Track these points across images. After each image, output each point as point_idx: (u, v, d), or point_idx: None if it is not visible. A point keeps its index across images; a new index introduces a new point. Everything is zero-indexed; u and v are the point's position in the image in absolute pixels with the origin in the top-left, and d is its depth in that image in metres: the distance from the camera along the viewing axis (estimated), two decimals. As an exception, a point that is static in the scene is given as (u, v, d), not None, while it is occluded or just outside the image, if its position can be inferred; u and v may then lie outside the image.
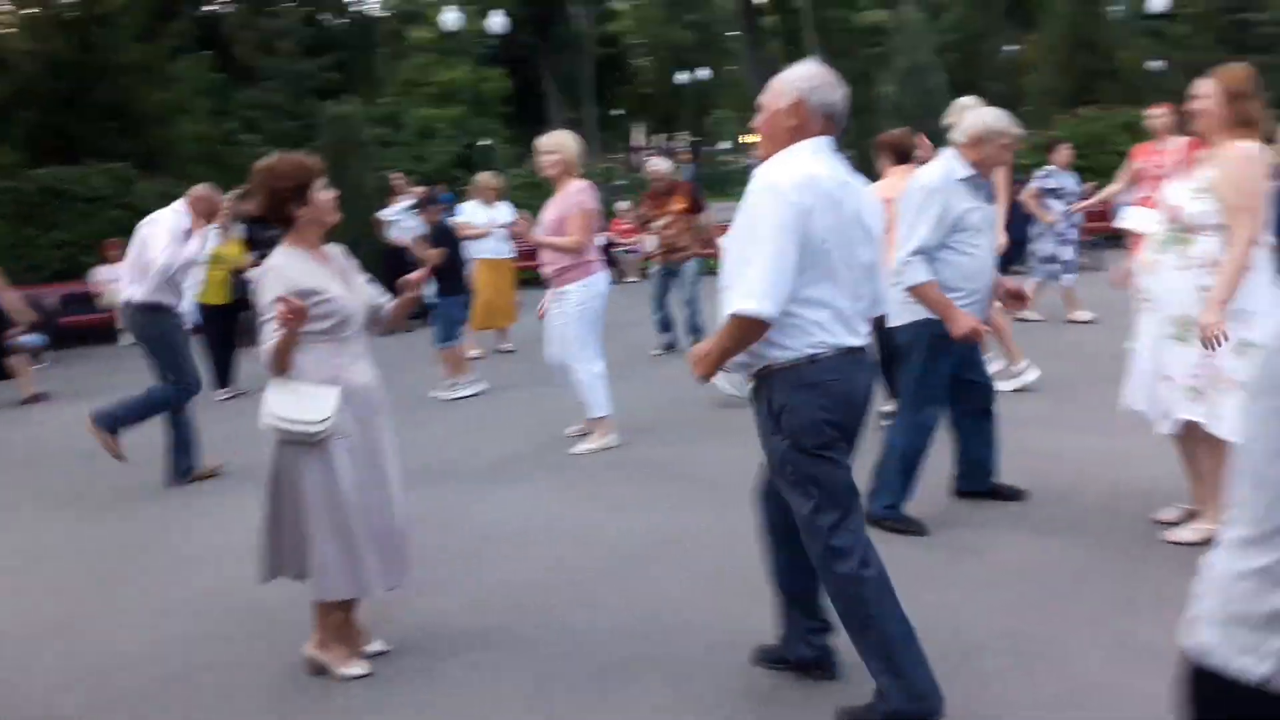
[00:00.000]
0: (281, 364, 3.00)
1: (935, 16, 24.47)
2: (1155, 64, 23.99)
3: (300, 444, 3.02)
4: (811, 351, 2.55)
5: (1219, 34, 21.80)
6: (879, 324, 3.79)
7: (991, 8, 29.45)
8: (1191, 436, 3.72)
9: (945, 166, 4.07)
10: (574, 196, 5.56)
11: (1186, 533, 3.79)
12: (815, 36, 29.51)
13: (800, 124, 2.64)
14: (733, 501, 4.32)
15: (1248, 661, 1.18)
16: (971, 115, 4.21)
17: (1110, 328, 7.13)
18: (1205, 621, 1.25)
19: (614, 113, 39.58)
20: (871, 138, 5.93)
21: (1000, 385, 5.21)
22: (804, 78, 2.67)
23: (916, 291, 3.97)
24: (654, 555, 4.09)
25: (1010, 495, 4.43)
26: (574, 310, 5.59)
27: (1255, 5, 20.94)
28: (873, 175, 4.64)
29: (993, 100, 5.14)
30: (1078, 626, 3.17)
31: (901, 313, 4.12)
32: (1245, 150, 3.54)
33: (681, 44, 39.07)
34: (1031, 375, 6.33)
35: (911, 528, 4.11)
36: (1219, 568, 1.24)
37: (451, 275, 7.63)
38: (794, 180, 2.53)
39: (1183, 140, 7.20)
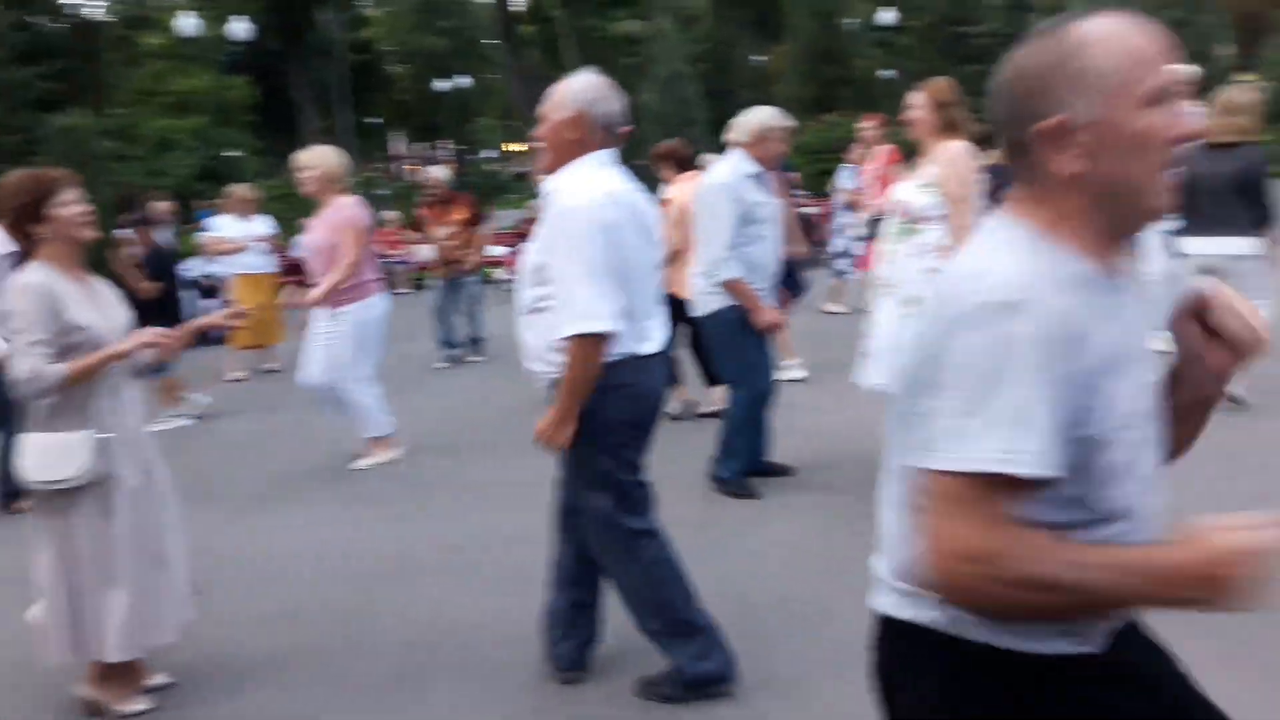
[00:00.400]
0: (68, 389, 2.76)
1: (686, 27, 25.55)
2: (887, 73, 26.21)
3: (66, 497, 2.78)
4: (610, 359, 2.62)
5: (941, 45, 24.13)
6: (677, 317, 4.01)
7: (737, 19, 31.10)
8: None
9: (733, 165, 4.36)
10: (343, 213, 5.34)
11: None
12: (572, 45, 30.02)
13: (582, 137, 2.67)
14: (514, 507, 4.38)
15: (917, 608, 1.23)
16: (748, 115, 4.51)
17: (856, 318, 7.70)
18: (883, 577, 1.31)
19: (370, 121, 38.41)
20: (639, 146, 6.15)
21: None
22: (584, 89, 2.69)
23: (730, 286, 4.27)
24: (438, 564, 4.06)
25: (780, 472, 4.75)
26: (349, 331, 5.31)
27: (972, 19, 23.31)
28: (651, 184, 4.82)
29: (745, 108, 5.46)
30: (844, 589, 3.46)
31: (706, 302, 4.44)
32: (958, 149, 4.11)
33: (435, 51, 38.47)
34: (799, 372, 6.71)
35: (752, 491, 4.50)
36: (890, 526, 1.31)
37: (165, 306, 6.94)
38: (598, 198, 2.59)
39: (886, 149, 7.99)
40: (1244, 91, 5.22)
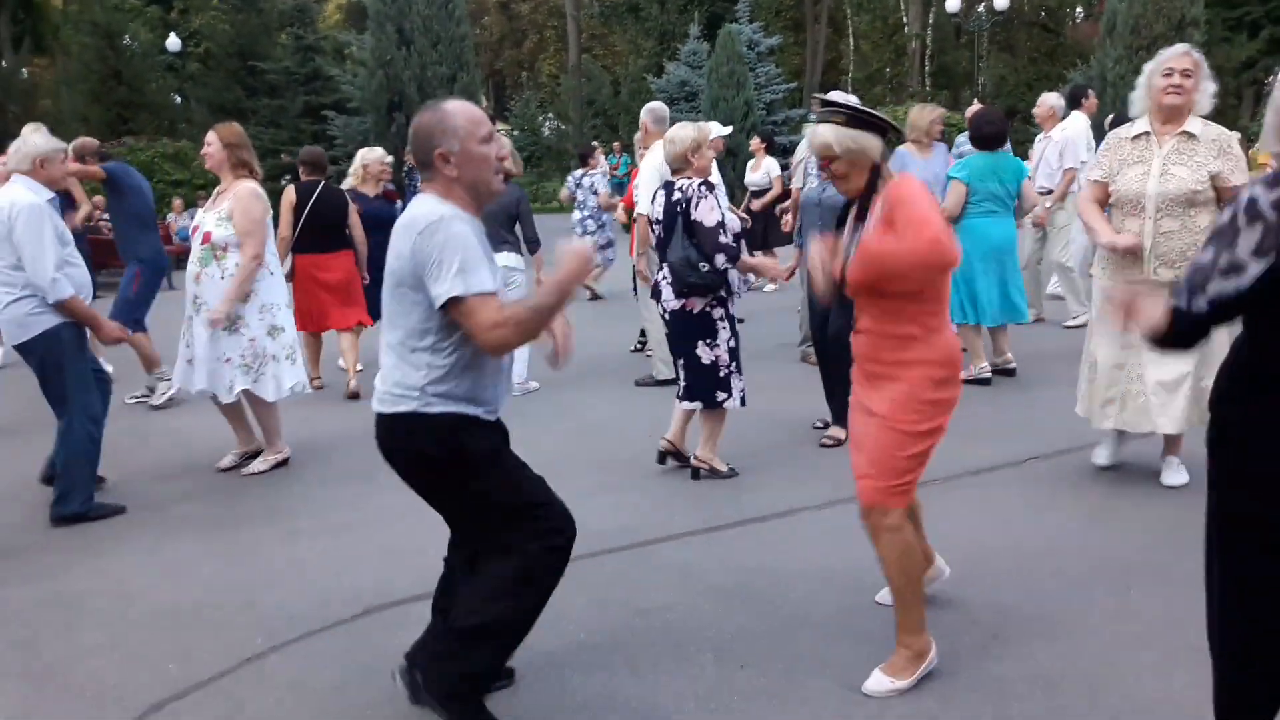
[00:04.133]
0: None
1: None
2: (177, 99, 25.77)
3: None
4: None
5: (233, 75, 24.53)
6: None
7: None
8: (250, 399, 5.04)
9: (29, 187, 4.39)
10: None
11: (259, 464, 5.13)
12: None
13: None
14: None
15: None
16: (30, 140, 4.57)
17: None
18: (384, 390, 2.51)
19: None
20: None
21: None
22: None
23: (68, 305, 4.31)
24: None
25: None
26: None
27: (263, 54, 24.07)
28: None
29: (16, 123, 5.40)
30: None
31: (28, 327, 4.35)
32: (244, 188, 4.90)
33: None
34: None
35: (113, 512, 4.55)
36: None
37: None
38: None
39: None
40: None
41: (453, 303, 2.35)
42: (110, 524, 4.47)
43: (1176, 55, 3.96)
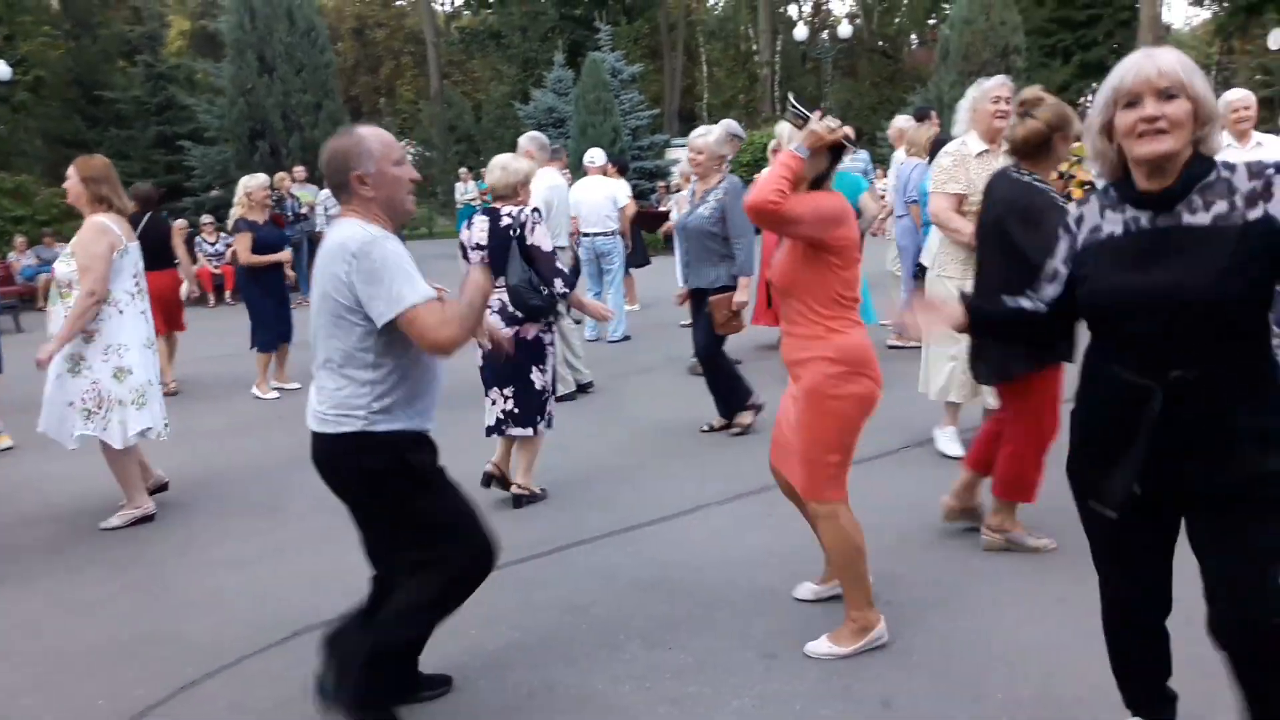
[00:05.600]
0: None
1: None
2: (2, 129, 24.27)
3: None
4: None
5: (72, 104, 23.31)
6: None
7: None
8: (104, 447, 4.74)
9: None
10: None
11: (116, 519, 4.78)
12: None
13: None
14: None
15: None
16: None
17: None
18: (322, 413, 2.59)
19: None
20: None
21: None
22: None
23: None
24: None
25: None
26: None
27: (105, 83, 22.94)
28: None
29: None
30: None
31: None
32: (96, 222, 4.67)
33: None
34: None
35: None
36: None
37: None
38: None
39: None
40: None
41: (399, 316, 2.47)
42: (8, 566, 4.35)
43: (1000, 85, 4.47)
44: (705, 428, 5.89)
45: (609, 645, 3.29)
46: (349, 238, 2.49)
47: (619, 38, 26.18)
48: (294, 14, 16.79)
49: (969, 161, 4.53)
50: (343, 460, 2.62)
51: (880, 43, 40.83)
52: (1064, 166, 5.72)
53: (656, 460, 5.37)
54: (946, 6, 28.02)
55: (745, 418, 5.81)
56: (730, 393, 5.82)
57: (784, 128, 3.14)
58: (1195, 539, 2.07)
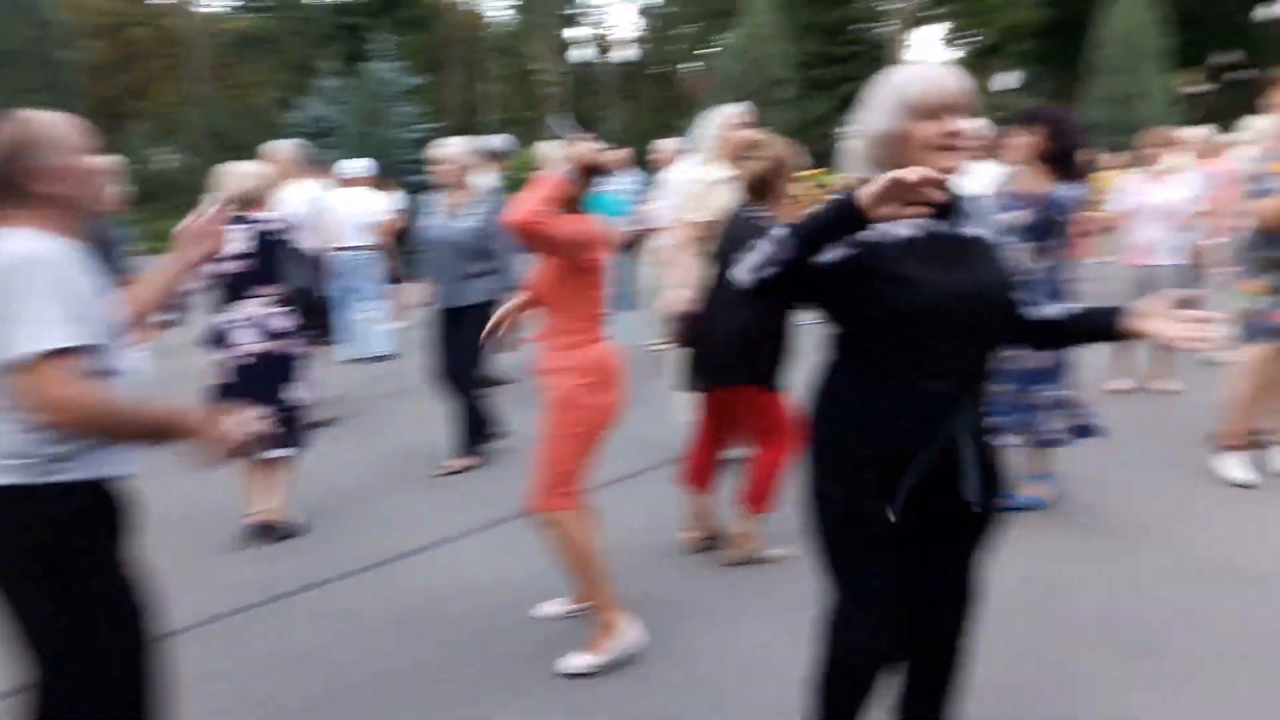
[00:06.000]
0: None
1: None
2: None
3: None
4: None
5: None
6: None
7: None
8: None
9: None
10: None
11: None
12: None
13: None
14: None
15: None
16: None
17: None
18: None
19: None
20: None
21: None
22: None
23: None
24: None
25: None
26: None
27: None
28: None
29: None
30: None
31: None
32: None
33: None
34: None
35: None
36: None
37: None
38: None
39: None
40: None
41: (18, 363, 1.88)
42: None
43: (740, 112, 4.67)
44: (441, 470, 5.40)
45: (373, 689, 3.11)
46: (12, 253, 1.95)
47: (398, 48, 25.56)
48: (30, 7, 15.28)
49: (711, 188, 4.64)
50: None
51: (659, 68, 42.11)
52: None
53: (414, 488, 5.17)
54: (726, 35, 29.28)
55: (473, 459, 5.42)
56: (475, 425, 5.45)
57: (546, 148, 3.14)
58: (939, 559, 2.18)
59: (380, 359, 8.76)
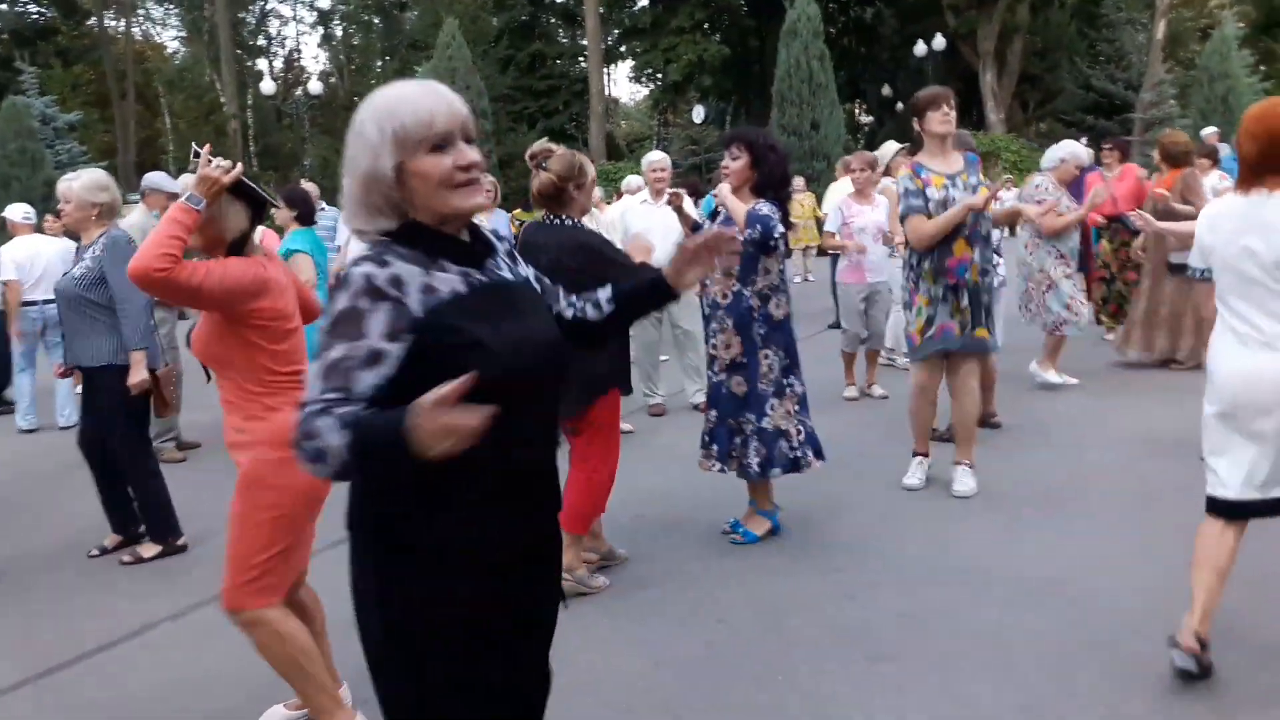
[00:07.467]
0: None
1: None
2: None
3: None
4: None
5: None
6: None
7: None
8: None
9: None
10: None
11: None
12: None
13: None
14: None
15: None
16: None
17: None
18: None
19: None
20: None
21: None
22: None
23: None
24: None
25: None
26: None
27: None
28: None
29: None
30: None
31: None
32: None
33: None
34: None
35: None
36: None
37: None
38: None
39: None
40: None
41: None
42: None
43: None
44: (95, 551, 4.69)
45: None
46: None
47: (51, 81, 22.96)
48: None
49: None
50: None
51: (355, 99, 40.81)
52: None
53: (94, 571, 4.48)
54: (418, 69, 28.87)
55: (147, 549, 4.60)
56: (121, 505, 4.69)
57: (187, 179, 2.70)
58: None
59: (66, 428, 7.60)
